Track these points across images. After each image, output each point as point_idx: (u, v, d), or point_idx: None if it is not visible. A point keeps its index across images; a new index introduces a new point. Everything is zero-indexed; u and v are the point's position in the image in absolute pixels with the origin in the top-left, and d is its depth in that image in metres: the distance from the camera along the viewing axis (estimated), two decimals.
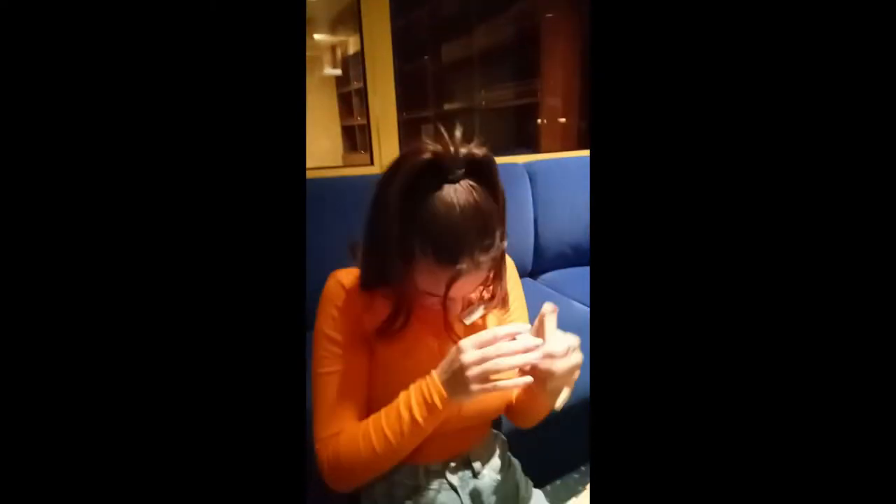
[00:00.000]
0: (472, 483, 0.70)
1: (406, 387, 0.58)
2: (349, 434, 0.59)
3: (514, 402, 0.72)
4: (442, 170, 0.51)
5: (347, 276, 0.62)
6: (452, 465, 0.69)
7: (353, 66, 2.50)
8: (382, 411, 0.58)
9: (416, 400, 0.55)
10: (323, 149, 2.88)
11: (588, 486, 0.63)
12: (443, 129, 0.51)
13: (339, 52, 3.02)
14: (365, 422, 0.59)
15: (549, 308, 0.56)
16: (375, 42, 1.46)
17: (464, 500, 0.68)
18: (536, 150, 2.22)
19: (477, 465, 0.71)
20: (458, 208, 0.51)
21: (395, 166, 0.54)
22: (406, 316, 0.61)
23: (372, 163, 1.56)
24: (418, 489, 0.67)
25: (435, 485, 0.67)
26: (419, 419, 0.54)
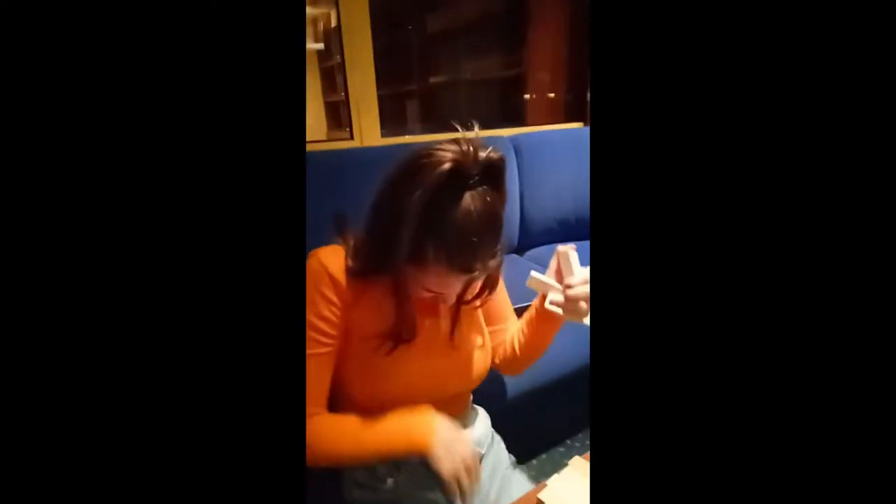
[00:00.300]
0: None
1: (401, 378, 0.61)
2: (332, 423, 0.59)
3: (519, 350, 0.75)
4: (462, 177, 0.49)
5: (330, 257, 0.59)
6: None
7: (335, 39, 2.41)
8: (369, 423, 0.59)
9: (402, 438, 0.57)
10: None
11: (572, 461, 0.63)
12: (460, 128, 0.50)
13: (320, 26, 2.92)
14: (350, 419, 0.59)
15: (568, 246, 0.62)
16: (353, 15, 1.40)
17: None
18: (522, 123, 2.18)
19: None
20: (474, 215, 0.50)
21: (413, 170, 0.51)
22: (411, 323, 0.61)
23: (352, 137, 1.51)
24: (399, 466, 0.66)
25: (417, 460, 0.66)
26: (394, 450, 0.57)
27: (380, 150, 1.38)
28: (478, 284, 0.65)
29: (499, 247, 0.55)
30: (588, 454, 0.65)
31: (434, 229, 0.50)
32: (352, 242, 0.61)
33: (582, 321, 0.61)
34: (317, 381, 0.60)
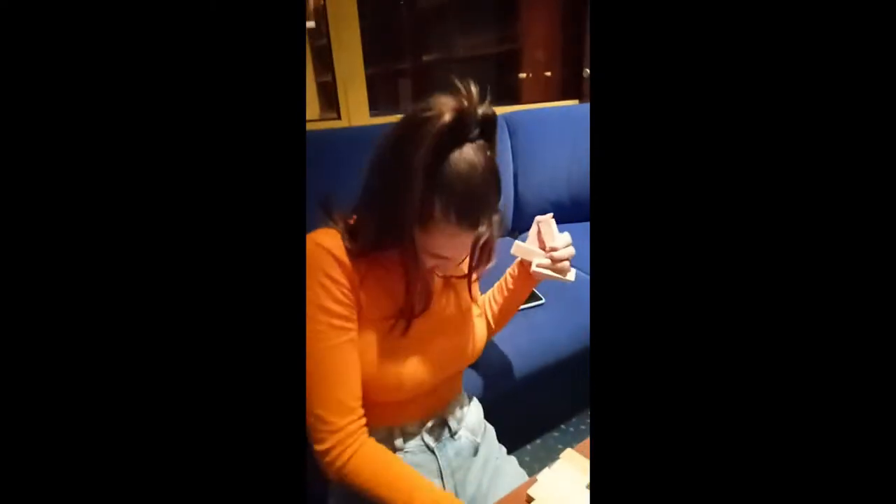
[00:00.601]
0: (449, 444, 0.68)
1: (413, 358, 0.60)
2: (384, 468, 0.57)
3: (492, 318, 0.81)
4: (464, 129, 0.49)
5: (328, 240, 0.56)
6: (429, 425, 0.67)
7: (325, 17, 2.33)
8: (416, 480, 0.57)
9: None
10: None
11: (563, 454, 0.61)
12: (461, 85, 0.49)
13: (310, 3, 2.82)
14: (389, 458, 0.58)
15: (547, 215, 0.68)
16: None
17: (441, 463, 0.66)
18: (516, 101, 2.12)
19: (454, 424, 0.69)
20: (479, 168, 0.50)
21: (414, 125, 0.49)
22: (425, 293, 0.59)
23: (339, 117, 1.46)
24: (394, 452, 0.64)
25: (411, 447, 0.65)
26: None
27: (367, 129, 1.33)
28: (477, 253, 0.64)
29: (500, 202, 0.55)
30: (580, 445, 0.63)
31: (441, 185, 0.49)
32: (343, 224, 0.58)
33: (566, 279, 0.70)
34: (353, 369, 0.57)
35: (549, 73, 2.22)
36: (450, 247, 0.55)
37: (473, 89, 0.50)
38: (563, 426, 1.30)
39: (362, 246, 0.56)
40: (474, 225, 0.52)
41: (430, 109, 0.48)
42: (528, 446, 1.22)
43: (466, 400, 0.75)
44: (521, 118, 1.60)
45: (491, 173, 0.52)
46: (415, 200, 0.49)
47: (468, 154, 0.49)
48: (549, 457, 1.20)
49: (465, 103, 0.49)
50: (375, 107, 1.55)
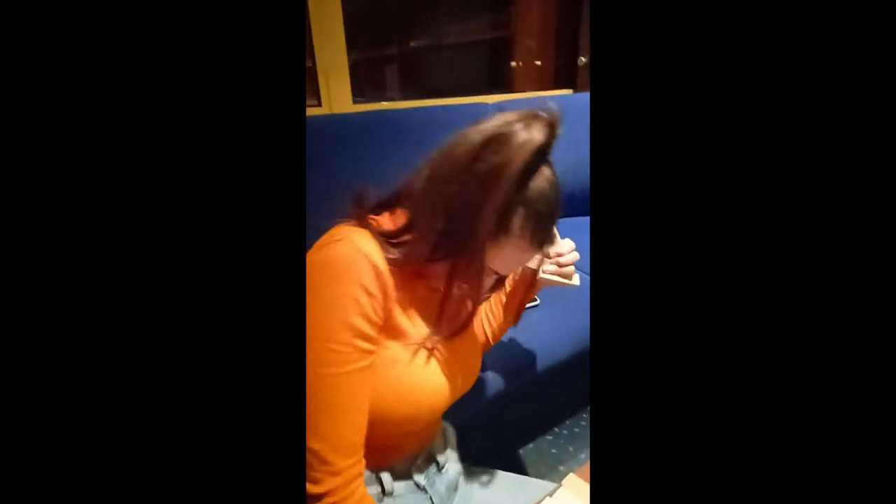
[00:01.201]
0: (438, 479, 0.63)
1: (437, 378, 0.55)
2: None
3: (491, 335, 0.77)
4: (551, 145, 0.48)
5: (365, 242, 0.48)
6: (418, 462, 0.62)
7: None
8: None
9: None
10: None
11: (566, 479, 0.56)
12: (545, 97, 0.47)
13: None
14: None
15: None
16: None
17: (434, 499, 0.61)
18: (509, 89, 2.05)
19: (441, 457, 0.64)
20: (554, 187, 0.49)
21: (506, 135, 0.47)
22: (475, 309, 0.57)
23: (320, 104, 1.38)
24: (381, 495, 0.58)
25: (400, 489, 0.60)
26: None
27: (349, 116, 1.25)
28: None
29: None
30: (581, 470, 0.57)
31: (524, 199, 0.48)
32: (376, 224, 0.51)
33: (572, 283, 0.69)
34: (364, 401, 0.49)
35: (538, 63, 2.15)
36: (512, 263, 0.53)
37: (553, 105, 0.49)
38: (556, 429, 1.25)
39: (414, 255, 0.49)
40: (543, 243, 0.51)
41: (523, 120, 0.47)
42: (521, 451, 1.18)
43: (447, 431, 0.70)
44: (514, 107, 1.53)
45: (559, 192, 0.51)
46: (497, 212, 0.46)
47: (546, 171, 0.49)
48: (542, 461, 1.16)
49: (555, 119, 0.48)
50: (360, 94, 1.47)
